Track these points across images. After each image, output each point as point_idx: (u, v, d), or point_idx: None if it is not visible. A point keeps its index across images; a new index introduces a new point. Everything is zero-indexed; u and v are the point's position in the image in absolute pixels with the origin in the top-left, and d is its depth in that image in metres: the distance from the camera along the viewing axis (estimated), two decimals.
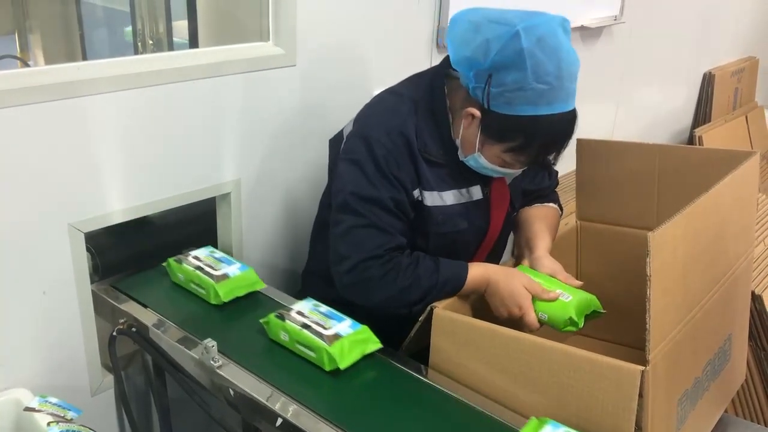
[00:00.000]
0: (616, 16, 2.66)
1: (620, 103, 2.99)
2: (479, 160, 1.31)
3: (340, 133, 1.43)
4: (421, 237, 1.38)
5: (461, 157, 1.35)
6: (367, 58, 1.73)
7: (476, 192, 1.39)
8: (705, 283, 1.23)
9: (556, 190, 1.62)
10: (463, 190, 1.38)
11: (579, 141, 1.51)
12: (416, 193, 1.33)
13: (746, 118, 3.64)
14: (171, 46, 2.18)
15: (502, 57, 1.18)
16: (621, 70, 2.89)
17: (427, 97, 1.35)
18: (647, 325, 1.03)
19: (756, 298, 1.82)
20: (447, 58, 1.35)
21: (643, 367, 1.02)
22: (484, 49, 1.20)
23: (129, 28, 2.24)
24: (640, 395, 1.03)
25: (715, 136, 3.29)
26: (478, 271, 1.32)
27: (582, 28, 2.49)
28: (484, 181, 1.39)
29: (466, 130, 1.30)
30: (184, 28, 1.99)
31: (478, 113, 1.26)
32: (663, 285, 1.06)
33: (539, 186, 1.56)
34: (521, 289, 1.29)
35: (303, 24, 1.55)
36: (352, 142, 1.34)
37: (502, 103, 1.21)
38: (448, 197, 1.36)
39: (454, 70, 1.32)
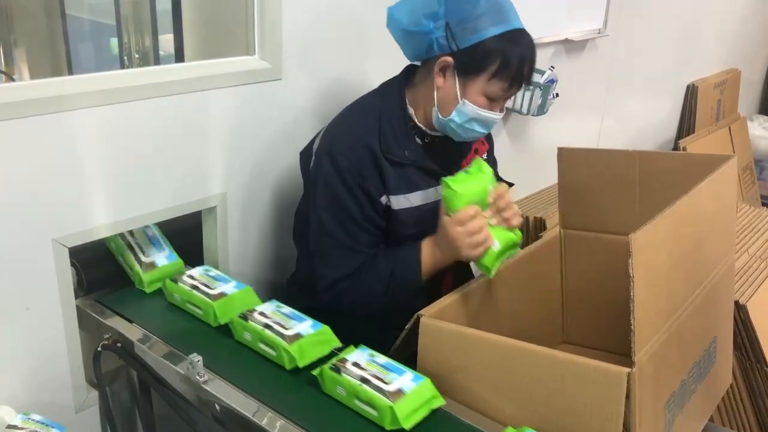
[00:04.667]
0: (599, 29, 2.69)
1: (605, 115, 3.02)
2: (463, 110, 1.35)
3: (309, 145, 1.48)
4: (395, 241, 1.42)
5: (440, 123, 1.38)
6: (353, 71, 1.74)
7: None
8: (688, 284, 1.23)
9: (541, 200, 1.64)
10: (431, 190, 1.42)
11: (560, 149, 1.52)
12: (383, 199, 1.38)
13: (729, 129, 3.68)
14: (157, 60, 2.18)
15: None
16: (605, 82, 2.91)
17: (389, 101, 1.42)
18: (632, 326, 1.03)
19: (741, 308, 1.83)
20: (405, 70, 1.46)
21: (630, 369, 1.02)
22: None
23: (115, 42, 2.24)
24: (627, 398, 1.03)
25: (699, 147, 3.31)
26: (427, 252, 1.36)
27: (566, 41, 2.51)
28: None
29: (441, 87, 1.36)
30: (171, 41, 1.99)
31: (450, 59, 1.33)
32: (646, 285, 1.06)
33: None
34: (456, 229, 1.29)
35: (289, 37, 1.55)
36: (319, 159, 1.39)
37: (469, 34, 1.30)
38: (416, 198, 1.40)
39: (415, 68, 1.41)
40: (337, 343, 1.26)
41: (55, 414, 1.22)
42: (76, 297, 1.40)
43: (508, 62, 1.31)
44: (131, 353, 1.32)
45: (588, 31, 2.63)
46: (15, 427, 1.12)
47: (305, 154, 1.48)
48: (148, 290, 1.44)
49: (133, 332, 1.34)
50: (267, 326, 1.24)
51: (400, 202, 1.39)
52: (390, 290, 1.36)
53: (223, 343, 1.31)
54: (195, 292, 1.35)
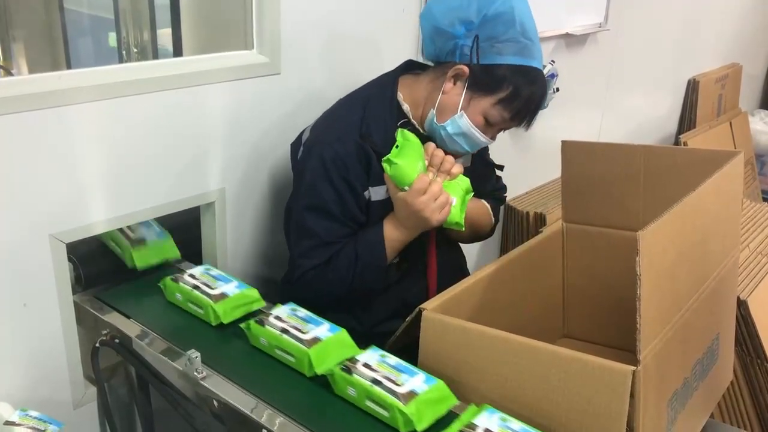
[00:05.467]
0: (600, 23, 2.68)
1: (606, 110, 3.01)
2: (459, 122, 1.35)
3: (299, 137, 1.48)
4: None
5: (432, 126, 1.39)
6: (352, 66, 1.73)
7: None
8: (693, 282, 1.23)
9: (541, 196, 1.63)
10: None
11: (564, 143, 1.52)
12: (366, 193, 1.39)
13: (730, 124, 3.68)
14: (156, 55, 2.17)
15: (494, 11, 1.29)
16: (606, 77, 2.90)
17: (381, 92, 1.42)
18: (638, 325, 1.02)
19: (741, 304, 1.83)
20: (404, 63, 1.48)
21: (635, 367, 1.01)
22: (476, 6, 1.30)
23: (114, 36, 2.23)
24: (632, 396, 1.02)
25: (700, 142, 3.31)
26: (389, 230, 1.37)
27: (567, 36, 2.50)
28: None
29: (447, 93, 1.36)
30: (169, 36, 1.98)
31: (466, 69, 1.33)
32: (653, 284, 1.05)
33: (485, 187, 1.61)
34: (420, 199, 1.30)
35: (287, 32, 1.54)
36: (307, 150, 1.40)
37: (493, 53, 1.31)
38: None
39: (416, 64, 1.42)
40: (454, 401, 1.12)
41: (53, 410, 1.21)
42: (74, 293, 1.39)
43: (518, 94, 1.33)
44: (129, 349, 1.32)
45: (589, 26, 2.62)
46: (13, 423, 1.11)
47: (295, 146, 1.49)
48: (225, 321, 1.31)
49: (131, 328, 1.34)
50: (376, 382, 1.09)
51: (379, 192, 1.40)
52: (357, 274, 1.37)
53: (223, 339, 1.30)
54: (285, 336, 1.20)
